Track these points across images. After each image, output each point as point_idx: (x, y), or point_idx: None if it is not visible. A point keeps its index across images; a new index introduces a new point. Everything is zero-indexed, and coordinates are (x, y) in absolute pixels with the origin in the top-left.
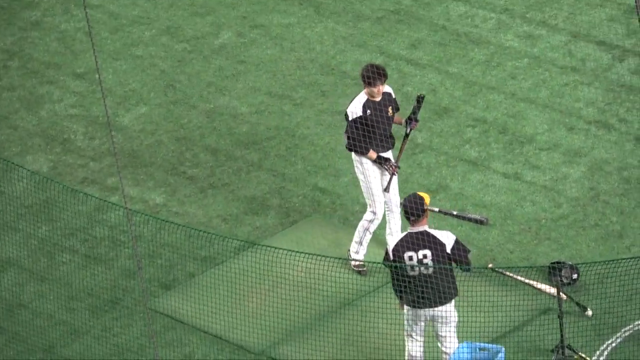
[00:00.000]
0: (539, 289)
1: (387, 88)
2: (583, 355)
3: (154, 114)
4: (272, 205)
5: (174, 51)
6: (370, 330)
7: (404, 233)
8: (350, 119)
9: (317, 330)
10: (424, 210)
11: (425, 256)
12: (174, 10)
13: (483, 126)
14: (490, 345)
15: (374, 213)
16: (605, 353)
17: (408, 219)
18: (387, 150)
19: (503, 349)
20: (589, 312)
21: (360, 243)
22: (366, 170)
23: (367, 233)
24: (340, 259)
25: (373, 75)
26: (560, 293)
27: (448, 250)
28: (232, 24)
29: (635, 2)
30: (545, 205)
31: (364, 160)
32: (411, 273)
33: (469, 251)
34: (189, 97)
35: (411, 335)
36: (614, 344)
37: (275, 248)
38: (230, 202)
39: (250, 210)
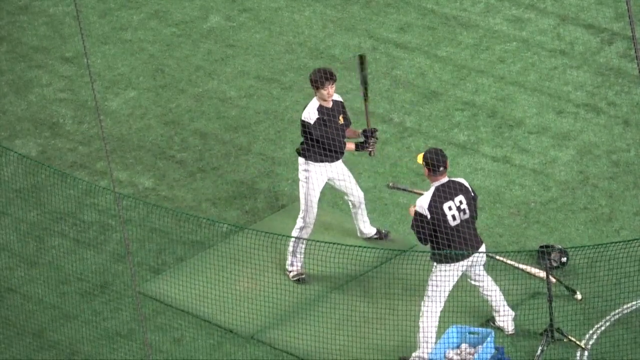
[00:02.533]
0: (528, 273)
1: (337, 96)
2: (572, 339)
3: (142, 98)
4: (261, 189)
5: (162, 35)
6: (361, 315)
7: (431, 189)
8: (311, 122)
9: (306, 314)
10: (446, 161)
11: (461, 202)
12: None
13: (472, 110)
14: (479, 329)
15: (304, 220)
16: (595, 336)
17: (435, 171)
18: (336, 160)
19: (492, 332)
20: (578, 296)
21: (294, 254)
22: (312, 178)
23: (300, 242)
24: (330, 243)
25: (320, 78)
26: (550, 276)
27: (472, 193)
28: (221, 7)
29: None
30: (534, 188)
31: (312, 167)
32: (452, 224)
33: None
34: (178, 81)
35: (434, 306)
36: (603, 328)
37: (265, 233)
38: (219, 186)
39: (239, 194)
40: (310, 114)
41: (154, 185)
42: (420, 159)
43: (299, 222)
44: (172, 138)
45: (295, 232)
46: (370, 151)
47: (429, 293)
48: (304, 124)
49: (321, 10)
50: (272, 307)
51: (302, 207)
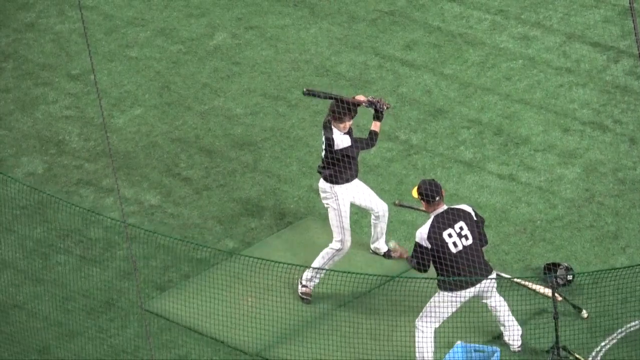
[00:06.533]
0: (534, 290)
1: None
2: (578, 357)
3: (148, 116)
4: (267, 206)
5: (168, 52)
6: (366, 332)
7: (430, 218)
8: (350, 144)
9: (312, 331)
10: (441, 190)
11: (461, 228)
12: (168, 11)
13: (478, 127)
14: (485, 346)
15: (342, 243)
16: (600, 354)
17: (431, 202)
18: (357, 176)
19: (498, 350)
20: (584, 314)
21: (317, 272)
22: (341, 202)
23: (330, 262)
24: (334, 271)
25: (343, 109)
26: (556, 294)
27: (475, 217)
28: (227, 25)
29: (630, 3)
30: (540, 206)
31: (338, 189)
32: (454, 250)
33: (484, 220)
34: (184, 99)
35: (427, 326)
36: (608, 346)
37: (266, 260)
38: (225, 203)
39: (245, 212)
40: (343, 140)
41: (160, 203)
42: (414, 192)
43: (336, 245)
44: (178, 155)
45: (330, 251)
46: (383, 106)
47: (425, 314)
48: (342, 150)
49: (327, 27)
50: (278, 324)
51: (337, 231)
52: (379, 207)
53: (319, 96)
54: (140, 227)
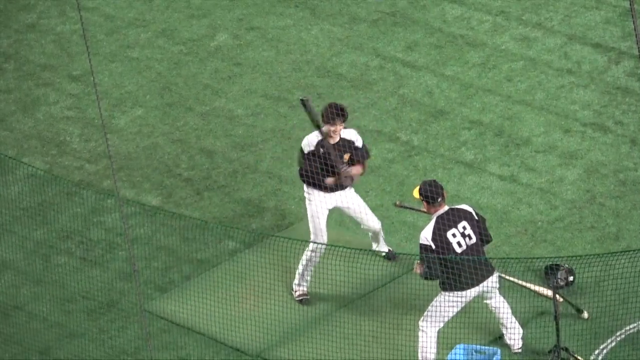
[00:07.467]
0: (535, 292)
1: (351, 134)
2: (579, 358)
3: (149, 117)
4: (268, 207)
5: (169, 53)
6: (368, 333)
7: (432, 219)
8: (305, 152)
9: (313, 332)
10: (443, 191)
11: (464, 227)
12: (170, 12)
13: (479, 128)
14: (486, 347)
15: (314, 244)
16: (602, 355)
17: (433, 203)
18: (332, 191)
19: (499, 351)
20: (585, 315)
21: (303, 275)
22: (314, 205)
23: (310, 264)
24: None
25: (330, 113)
26: (556, 295)
27: (476, 217)
28: (228, 26)
29: (630, 4)
30: (541, 207)
31: (314, 194)
32: (459, 250)
33: (485, 219)
34: (185, 100)
35: (431, 327)
36: (610, 347)
37: (284, 238)
38: (226, 204)
39: (246, 213)
40: (308, 144)
41: (161, 204)
42: (416, 193)
43: (311, 245)
44: (179, 156)
45: (307, 254)
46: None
47: (428, 314)
48: (301, 150)
49: (328, 28)
50: (279, 325)
51: (311, 230)
52: (369, 225)
53: (308, 111)
54: (141, 210)
